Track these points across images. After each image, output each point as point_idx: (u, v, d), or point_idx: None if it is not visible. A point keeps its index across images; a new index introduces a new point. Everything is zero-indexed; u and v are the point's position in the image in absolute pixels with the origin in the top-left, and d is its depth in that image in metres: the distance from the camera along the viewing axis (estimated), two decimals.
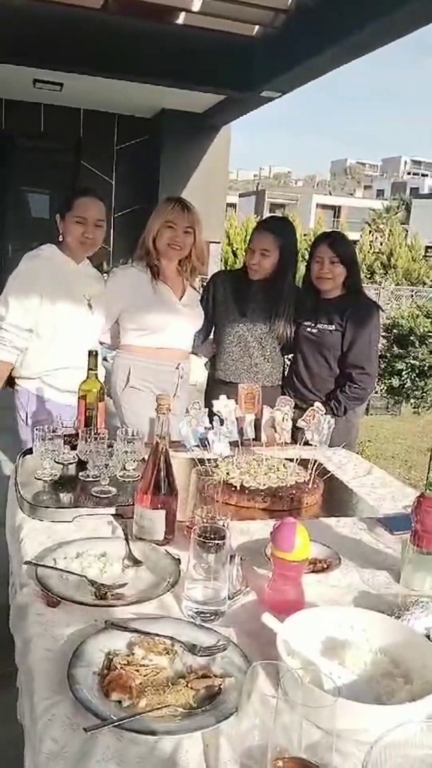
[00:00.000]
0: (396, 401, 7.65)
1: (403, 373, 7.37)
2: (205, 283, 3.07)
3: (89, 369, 2.01)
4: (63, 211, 2.45)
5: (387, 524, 1.69)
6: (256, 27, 5.64)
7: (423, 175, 71.48)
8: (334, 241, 2.73)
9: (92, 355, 2.02)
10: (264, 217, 3.05)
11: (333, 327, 2.73)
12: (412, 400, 7.58)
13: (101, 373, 2.18)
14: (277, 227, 2.80)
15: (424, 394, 7.46)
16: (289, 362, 2.97)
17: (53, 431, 1.81)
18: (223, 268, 10.08)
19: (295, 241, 2.85)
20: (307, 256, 2.86)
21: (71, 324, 2.44)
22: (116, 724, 0.92)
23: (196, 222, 2.54)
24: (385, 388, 7.62)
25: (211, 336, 2.92)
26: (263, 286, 2.79)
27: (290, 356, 2.94)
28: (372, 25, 4.25)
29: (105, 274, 2.78)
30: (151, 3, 5.20)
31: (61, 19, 5.43)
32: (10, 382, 2.50)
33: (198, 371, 3.04)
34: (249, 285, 2.80)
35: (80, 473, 1.83)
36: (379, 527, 1.69)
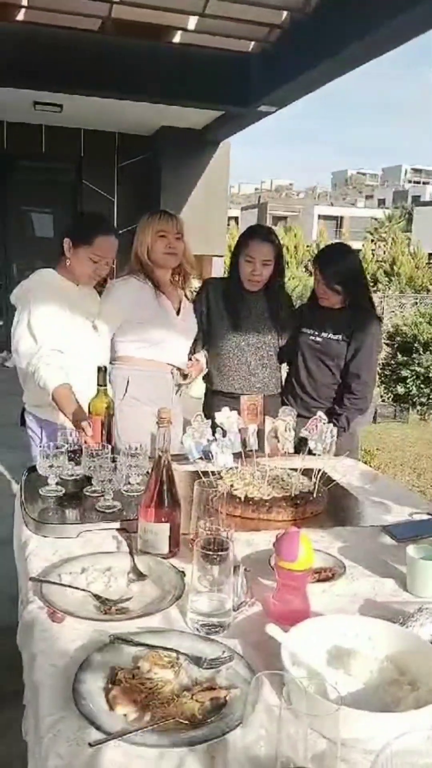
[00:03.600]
0: (402, 408, 7.64)
1: (408, 380, 7.36)
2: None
3: (99, 385, 2.02)
4: (79, 241, 2.36)
5: (392, 532, 1.69)
6: (252, 43, 5.70)
7: (424, 183, 71.74)
8: (326, 262, 2.73)
9: (101, 371, 2.04)
10: (251, 226, 2.95)
11: (339, 337, 2.73)
12: (418, 407, 7.57)
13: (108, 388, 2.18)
14: (272, 237, 2.77)
15: (430, 400, 7.45)
16: (287, 370, 2.97)
17: (57, 448, 1.82)
18: None
19: (282, 249, 2.85)
20: (310, 267, 2.87)
21: (78, 348, 2.39)
22: (122, 737, 0.92)
23: (183, 228, 2.61)
24: (391, 396, 7.61)
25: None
26: (257, 295, 2.79)
27: (286, 363, 2.95)
28: (366, 37, 4.28)
29: (107, 289, 2.78)
30: (148, 23, 5.27)
31: (60, 41, 5.50)
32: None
33: (200, 384, 3.03)
34: (242, 296, 2.78)
35: (85, 489, 1.84)
36: (385, 535, 1.68)
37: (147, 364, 2.60)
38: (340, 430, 2.57)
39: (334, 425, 2.63)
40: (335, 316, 2.75)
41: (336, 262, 2.74)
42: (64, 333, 2.36)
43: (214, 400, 2.81)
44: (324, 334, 2.76)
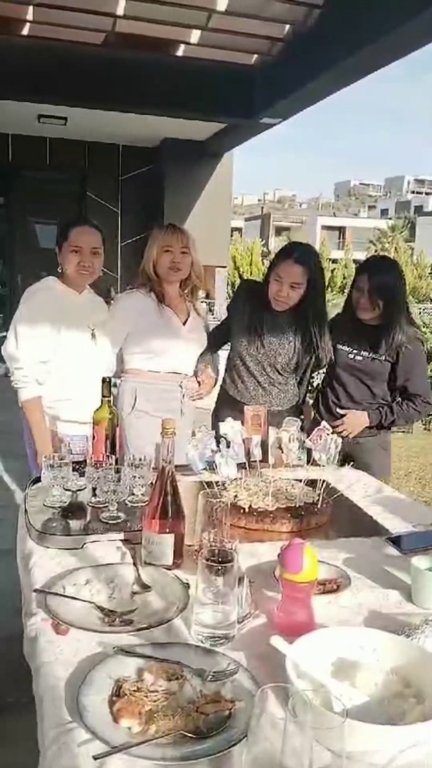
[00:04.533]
0: None
1: None
2: (210, 307, 3.07)
3: (103, 396, 2.03)
4: (60, 242, 2.48)
5: (397, 543, 1.68)
6: (254, 56, 5.75)
7: (427, 193, 71.95)
8: (374, 272, 2.64)
9: (105, 382, 2.05)
10: (290, 243, 2.80)
11: (380, 356, 2.66)
12: (423, 417, 7.55)
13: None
14: (306, 259, 2.58)
15: None
16: (314, 386, 2.97)
17: (61, 459, 1.82)
18: (231, 291, 10.13)
19: (322, 271, 2.67)
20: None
21: (74, 356, 2.46)
22: (125, 750, 0.91)
23: (190, 242, 2.61)
24: None
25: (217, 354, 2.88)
26: (283, 315, 2.66)
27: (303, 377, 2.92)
28: (367, 48, 4.32)
29: (113, 301, 2.81)
30: (151, 37, 5.32)
31: (64, 55, 5.56)
32: None
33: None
34: (270, 313, 2.64)
35: (89, 500, 1.84)
36: (390, 546, 1.68)
37: (154, 376, 2.61)
38: (379, 423, 2.66)
39: (379, 415, 2.67)
40: (375, 334, 2.66)
41: (384, 267, 2.70)
42: (58, 341, 2.42)
43: (224, 405, 2.77)
44: (364, 353, 2.69)
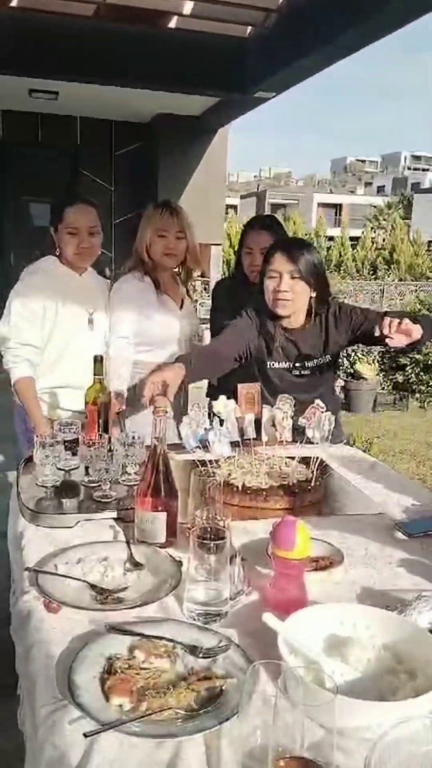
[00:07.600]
0: (402, 396, 7.62)
1: (407, 368, 7.35)
2: (206, 286, 3.04)
3: (95, 374, 2.01)
4: (55, 224, 2.40)
5: (404, 527, 1.64)
6: (249, 28, 5.64)
7: (423, 169, 71.39)
8: (293, 251, 2.17)
9: (98, 361, 2.03)
10: (253, 217, 2.88)
11: (327, 357, 2.29)
12: (417, 395, 7.55)
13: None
14: (269, 225, 2.68)
15: (430, 388, 7.43)
16: None
17: (53, 437, 1.81)
18: (225, 269, 10.05)
19: (286, 236, 2.74)
20: None
21: (71, 342, 2.41)
22: (117, 728, 0.91)
23: (186, 225, 2.48)
24: (391, 384, 7.59)
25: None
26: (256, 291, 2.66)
27: None
28: (363, 21, 4.25)
29: (108, 280, 2.73)
30: (142, 8, 5.21)
31: (54, 28, 5.45)
32: None
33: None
34: (246, 293, 2.59)
35: (81, 478, 1.83)
36: (396, 531, 1.65)
37: (150, 366, 2.47)
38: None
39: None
40: (306, 335, 2.26)
41: (305, 249, 2.20)
42: (54, 322, 2.37)
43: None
44: (309, 363, 2.25)
